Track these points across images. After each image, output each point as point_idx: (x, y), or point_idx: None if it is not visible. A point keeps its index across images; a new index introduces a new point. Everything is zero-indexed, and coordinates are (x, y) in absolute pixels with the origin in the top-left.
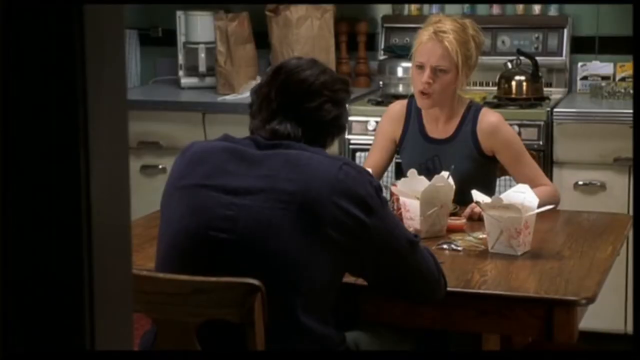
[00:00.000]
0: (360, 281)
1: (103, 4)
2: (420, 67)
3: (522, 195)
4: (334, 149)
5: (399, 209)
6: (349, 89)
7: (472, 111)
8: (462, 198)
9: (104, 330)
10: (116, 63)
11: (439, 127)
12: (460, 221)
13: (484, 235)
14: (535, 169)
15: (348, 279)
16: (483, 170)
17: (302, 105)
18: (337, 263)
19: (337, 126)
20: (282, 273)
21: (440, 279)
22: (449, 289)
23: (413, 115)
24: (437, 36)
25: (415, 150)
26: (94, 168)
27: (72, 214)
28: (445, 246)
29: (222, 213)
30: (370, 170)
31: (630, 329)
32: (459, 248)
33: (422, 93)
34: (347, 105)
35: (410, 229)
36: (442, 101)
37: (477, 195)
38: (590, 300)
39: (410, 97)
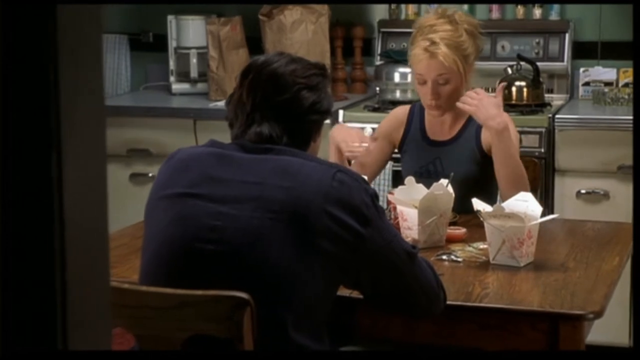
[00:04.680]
0: (356, 294)
1: (78, 4)
2: (422, 81)
3: (524, 204)
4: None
5: (396, 218)
6: (325, 72)
7: None
8: (463, 203)
9: (77, 331)
10: (93, 66)
11: (443, 129)
12: (460, 231)
13: (485, 246)
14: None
15: (343, 291)
16: (484, 174)
17: (276, 99)
18: (330, 276)
19: (318, 112)
20: (272, 286)
21: (440, 291)
22: (448, 302)
23: (415, 119)
24: (430, 52)
25: (417, 153)
26: (67, 173)
27: (44, 219)
28: (444, 257)
29: (208, 223)
30: (365, 176)
31: None
32: (459, 259)
33: (432, 107)
34: (328, 90)
35: (408, 239)
36: (453, 106)
37: (477, 203)
38: (598, 314)
39: (412, 103)
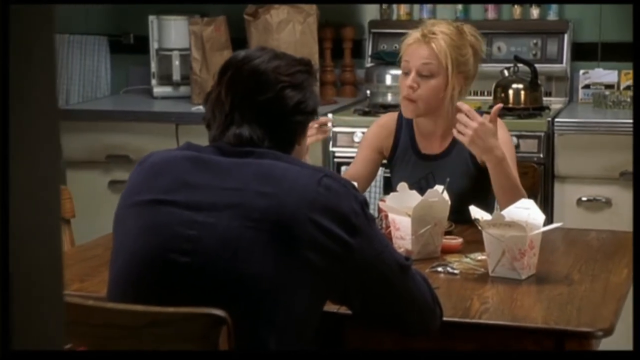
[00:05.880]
0: (344, 309)
1: (31, 4)
2: (406, 73)
3: (526, 212)
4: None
5: (387, 227)
6: (311, 69)
7: None
8: (458, 217)
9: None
10: (45, 68)
11: (433, 141)
12: (456, 241)
13: (484, 257)
14: (517, 178)
15: (330, 307)
16: (481, 187)
17: (257, 99)
18: (316, 290)
19: (304, 112)
20: (252, 302)
21: (435, 307)
22: (445, 318)
23: (404, 129)
24: (424, 38)
25: (407, 168)
26: (14, 177)
27: None
28: (440, 269)
29: (183, 233)
30: (355, 183)
31: None
32: (456, 271)
33: (406, 99)
34: (314, 88)
35: (401, 250)
36: (429, 110)
37: (475, 211)
38: (607, 332)
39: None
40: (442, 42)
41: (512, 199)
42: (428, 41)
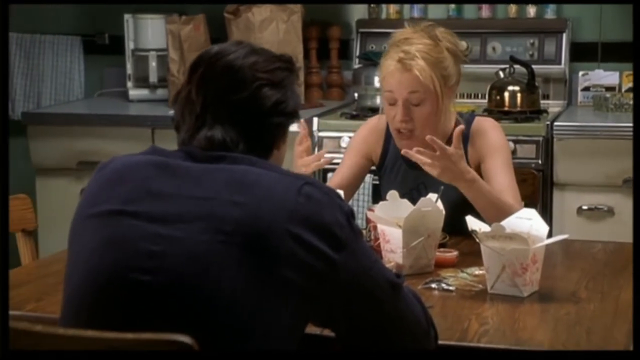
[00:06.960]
0: (327, 332)
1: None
2: (392, 104)
3: (528, 223)
4: None
5: (376, 239)
6: (292, 66)
7: (462, 124)
8: (453, 228)
9: None
10: None
11: (425, 149)
12: (452, 254)
13: (481, 272)
14: (512, 186)
15: (312, 329)
16: None
17: (231, 98)
18: (296, 312)
19: (283, 113)
20: (224, 326)
21: (430, 329)
22: (440, 341)
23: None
24: (403, 64)
25: (398, 177)
26: None
27: None
28: (433, 285)
29: (145, 248)
30: (341, 192)
31: None
32: (451, 288)
33: (399, 132)
34: (295, 87)
35: (391, 264)
36: (425, 134)
37: (472, 222)
38: None
39: None
40: (423, 63)
41: (498, 214)
42: (409, 68)
